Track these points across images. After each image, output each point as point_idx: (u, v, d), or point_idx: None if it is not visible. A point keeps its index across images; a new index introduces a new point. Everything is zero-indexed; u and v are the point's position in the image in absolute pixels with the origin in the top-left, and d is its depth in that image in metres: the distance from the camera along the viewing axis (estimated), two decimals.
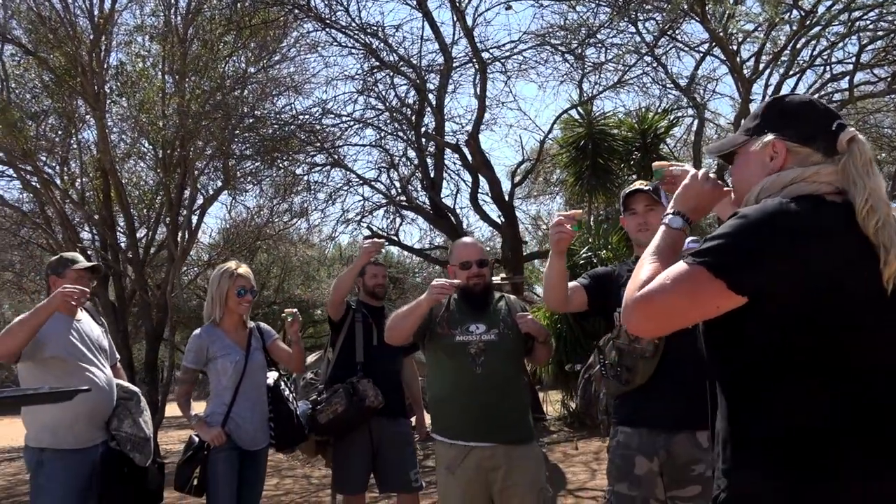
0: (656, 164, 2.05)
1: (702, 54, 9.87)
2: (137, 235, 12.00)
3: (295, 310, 3.82)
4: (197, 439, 3.47)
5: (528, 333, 2.99)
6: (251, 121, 10.42)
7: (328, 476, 4.42)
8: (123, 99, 11.03)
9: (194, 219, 11.85)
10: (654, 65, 9.95)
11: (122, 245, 11.90)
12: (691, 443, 2.49)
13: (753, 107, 9.60)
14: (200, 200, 11.91)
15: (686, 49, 10.06)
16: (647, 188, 2.70)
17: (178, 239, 11.10)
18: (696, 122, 10.01)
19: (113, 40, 11.16)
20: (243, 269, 3.65)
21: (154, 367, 11.56)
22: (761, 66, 8.93)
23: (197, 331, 3.62)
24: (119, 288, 11.74)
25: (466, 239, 3.35)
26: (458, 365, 2.98)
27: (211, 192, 11.97)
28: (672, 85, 10.23)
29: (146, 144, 11.75)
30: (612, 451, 2.66)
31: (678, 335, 2.50)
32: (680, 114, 10.85)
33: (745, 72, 8.72)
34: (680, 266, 1.37)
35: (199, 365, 3.55)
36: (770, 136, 1.47)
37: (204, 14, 10.23)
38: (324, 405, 3.79)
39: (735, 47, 8.65)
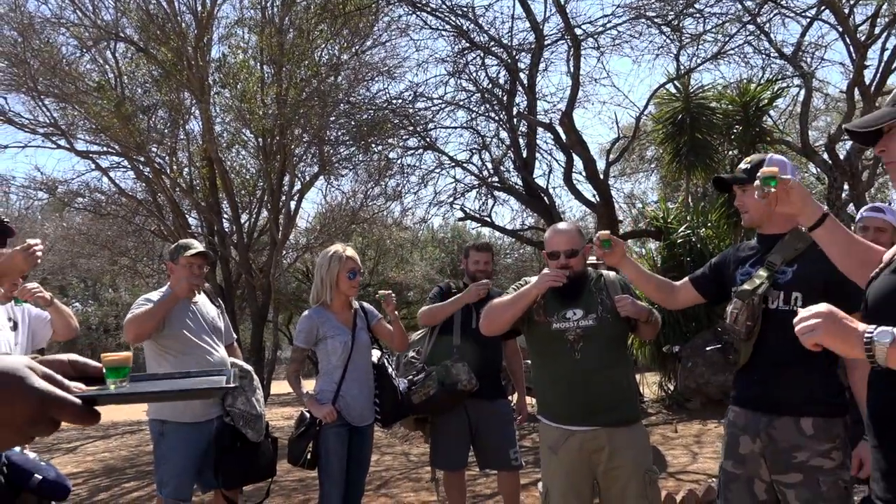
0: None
1: (809, 19, 9.32)
2: (241, 221, 12.55)
3: (389, 291, 3.90)
4: (308, 415, 3.63)
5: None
6: (346, 106, 10.64)
7: (426, 453, 4.52)
8: (226, 90, 11.52)
9: (293, 204, 12.30)
10: (757, 33, 9.48)
11: (227, 230, 12.48)
12: (794, 429, 2.43)
13: (868, 74, 9.03)
14: (298, 186, 12.32)
15: (792, 15, 9.53)
16: (740, 173, 2.66)
17: (279, 223, 11.54)
18: (802, 91, 9.49)
19: (214, 34, 11.66)
20: (350, 251, 3.76)
21: (260, 347, 12.10)
22: (877, 30, 8.35)
23: (307, 312, 3.76)
24: (225, 271, 12.33)
25: (560, 225, 3.18)
26: (557, 352, 2.95)
27: (308, 177, 12.36)
28: (776, 54, 9.72)
29: (247, 133, 12.23)
30: (726, 429, 2.64)
31: (776, 318, 2.45)
32: (785, 84, 10.30)
33: (859, 36, 8.19)
34: None
35: (310, 345, 3.70)
36: None
37: (299, 4, 10.51)
38: (418, 386, 3.87)
39: (847, 10, 8.12)
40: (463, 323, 4.02)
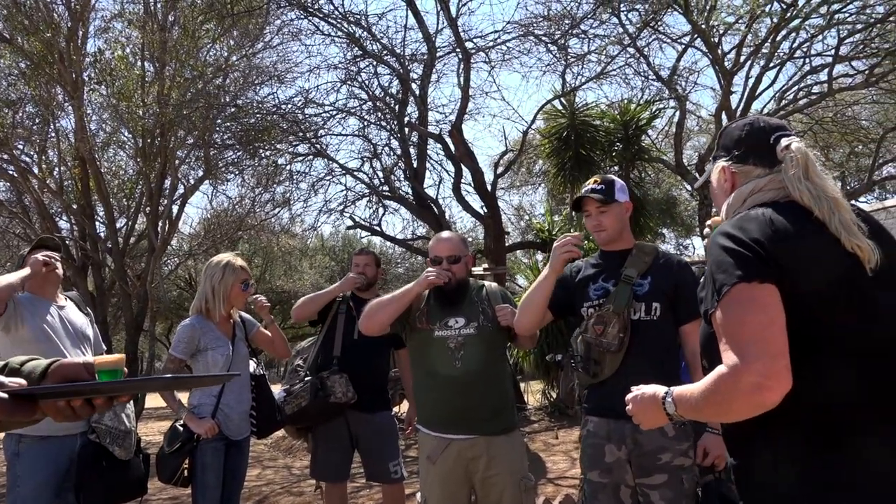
0: None
1: (684, 46, 9.92)
2: (117, 225, 11.90)
3: (258, 295, 3.82)
4: (183, 430, 3.46)
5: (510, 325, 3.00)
6: (233, 110, 10.33)
7: (309, 466, 4.43)
8: (102, 87, 10.89)
9: (175, 209, 11.78)
10: (637, 56, 9.98)
11: (102, 235, 11.79)
12: (658, 432, 2.56)
13: (735, 99, 9.69)
14: (181, 190, 11.83)
15: (668, 41, 10.11)
16: (595, 189, 2.78)
17: (159, 229, 11.01)
18: (677, 113, 10.06)
19: (91, 27, 11.02)
20: (241, 261, 3.65)
21: (134, 357, 11.48)
22: (742, 59, 8.99)
23: (188, 321, 3.59)
24: (98, 278, 11.63)
25: (444, 234, 3.29)
26: (438, 360, 2.98)
27: (192, 181, 11.89)
28: (654, 76, 10.27)
29: (126, 133, 11.62)
30: (584, 441, 2.74)
31: (642, 329, 2.60)
32: (662, 105, 10.89)
33: (726, 64, 8.78)
34: (724, 309, 1.40)
35: (188, 355, 3.52)
36: (720, 163, 1.68)
37: (184, 0, 10.11)
38: (291, 397, 3.79)
39: (716, 39, 8.70)
40: (345, 333, 3.96)
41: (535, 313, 2.78)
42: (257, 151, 10.68)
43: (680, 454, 2.56)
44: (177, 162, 10.98)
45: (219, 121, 10.29)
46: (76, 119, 10.40)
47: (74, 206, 11.59)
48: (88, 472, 3.40)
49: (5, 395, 0.97)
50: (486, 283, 3.27)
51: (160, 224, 11.09)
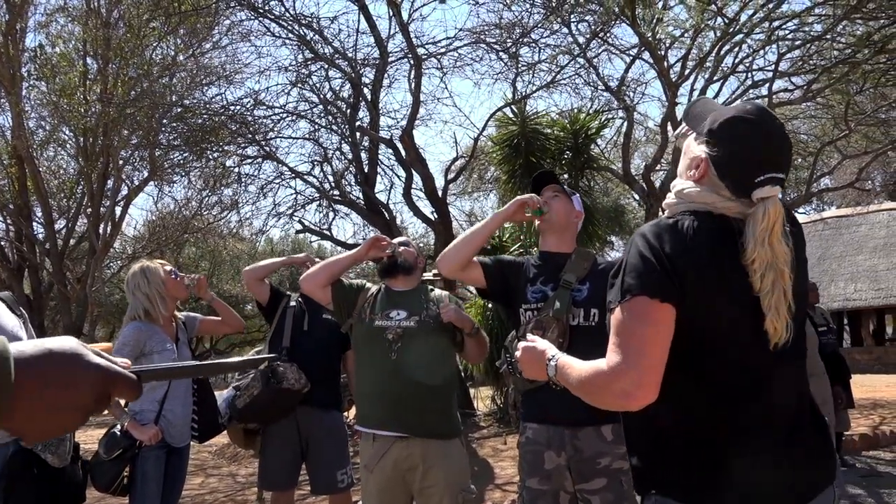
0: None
1: (632, 58, 10.12)
2: (56, 226, 11.51)
3: (196, 275, 3.80)
4: (122, 436, 3.36)
5: (454, 324, 2.99)
6: (179, 110, 10.11)
7: (255, 474, 4.34)
8: (42, 83, 10.55)
9: (118, 210, 11.47)
10: (586, 66, 10.14)
11: (40, 236, 11.40)
12: (597, 437, 2.59)
13: (680, 111, 9.91)
14: (125, 191, 11.52)
15: (617, 52, 10.30)
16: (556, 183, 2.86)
17: (101, 231, 10.70)
18: (625, 123, 10.25)
19: (31, 21, 10.67)
20: (155, 261, 3.62)
21: None
22: (687, 71, 9.22)
23: (133, 323, 3.50)
24: (35, 280, 11.24)
25: (398, 240, 3.35)
26: (375, 351, 2.97)
27: (136, 182, 11.59)
28: (603, 87, 10.45)
29: (67, 132, 11.27)
30: (522, 447, 2.74)
31: (581, 334, 2.63)
32: (610, 115, 11.09)
33: (671, 76, 8.99)
34: (622, 313, 1.48)
35: (133, 359, 3.43)
36: (704, 150, 1.57)
37: None
38: (242, 390, 3.72)
39: (663, 52, 8.90)
40: (294, 326, 3.91)
41: (463, 251, 2.75)
42: (204, 153, 10.48)
43: (619, 458, 2.58)
44: (120, 162, 10.70)
45: (165, 121, 10.06)
46: (13, 115, 10.04)
47: (10, 206, 11.18)
48: (19, 481, 3.27)
49: (134, 376, 0.87)
50: (438, 289, 3.29)
51: (102, 226, 10.78)
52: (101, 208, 10.90)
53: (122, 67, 9.78)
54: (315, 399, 3.76)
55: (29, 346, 0.80)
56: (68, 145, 11.78)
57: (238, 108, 10.33)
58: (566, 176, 10.32)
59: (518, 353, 1.78)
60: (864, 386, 12.00)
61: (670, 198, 1.63)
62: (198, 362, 1.20)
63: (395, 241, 3.23)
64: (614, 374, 1.44)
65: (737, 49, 8.91)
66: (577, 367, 1.57)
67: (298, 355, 3.78)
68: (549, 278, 2.74)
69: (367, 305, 3.08)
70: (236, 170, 11.11)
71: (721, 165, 1.53)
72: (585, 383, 1.52)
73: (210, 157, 10.79)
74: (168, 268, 3.56)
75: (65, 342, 0.83)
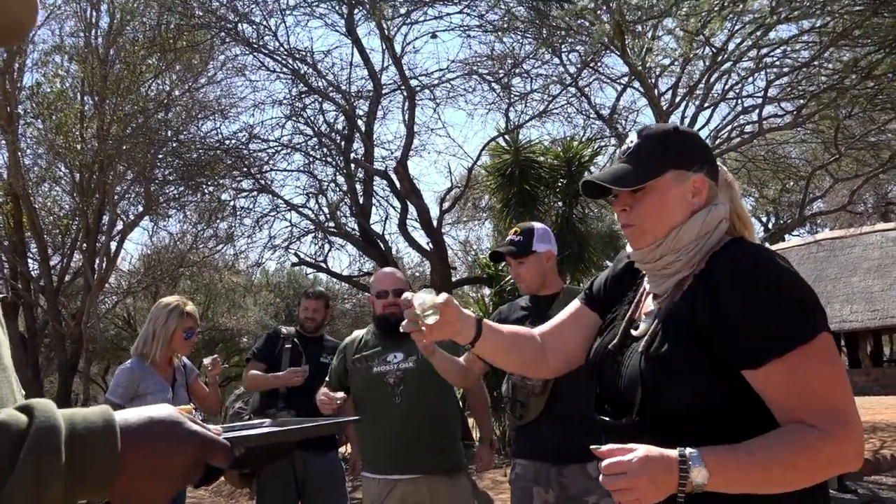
0: None
1: (622, 86, 10.23)
2: (51, 263, 11.49)
3: (216, 356, 3.76)
4: None
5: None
6: (175, 145, 10.16)
7: None
8: (39, 121, 10.60)
9: (113, 245, 11.46)
10: (578, 95, 10.25)
11: (34, 273, 11.36)
12: (582, 474, 2.59)
13: None
14: (120, 226, 11.53)
15: (608, 81, 10.42)
16: (511, 245, 2.82)
17: (96, 266, 10.68)
18: (617, 151, 10.33)
19: (28, 59, 10.76)
20: (191, 307, 3.55)
21: (67, 400, 11.03)
22: (678, 99, 9.32)
23: (127, 364, 3.47)
24: (30, 318, 11.18)
25: (386, 269, 3.38)
26: (378, 396, 2.96)
27: (132, 217, 11.60)
28: (595, 115, 10.55)
29: (62, 168, 11.31)
30: (514, 483, 2.75)
31: (566, 374, 2.61)
32: (603, 143, 11.18)
33: (662, 104, 9.09)
34: (810, 358, 1.20)
35: (125, 400, 3.39)
36: (693, 174, 1.41)
37: (126, 35, 9.98)
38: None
39: (653, 80, 9.01)
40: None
41: (453, 378, 2.76)
42: (200, 187, 10.51)
43: (605, 495, 2.56)
44: (115, 197, 10.72)
45: (160, 155, 10.11)
46: (10, 154, 10.08)
47: (5, 243, 11.17)
48: None
49: (227, 443, 0.87)
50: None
51: (97, 261, 10.76)
52: (97, 243, 10.90)
53: (118, 104, 9.85)
54: (312, 444, 3.72)
55: (132, 414, 0.82)
56: (64, 181, 11.80)
57: (233, 141, 10.40)
58: (560, 204, 10.38)
59: (606, 480, 1.22)
60: (863, 408, 11.93)
61: (691, 242, 1.39)
62: (286, 427, 1.20)
63: (406, 296, 3.12)
64: (847, 436, 1.18)
65: (726, 76, 9.02)
66: (752, 449, 1.18)
67: (297, 402, 3.74)
68: (539, 319, 2.76)
69: (359, 355, 3.07)
70: (231, 203, 11.14)
71: (713, 170, 1.45)
72: (804, 465, 1.18)
73: (205, 190, 10.82)
74: (189, 325, 3.49)
75: (163, 409, 0.85)
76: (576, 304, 1.71)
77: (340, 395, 2.93)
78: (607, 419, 1.43)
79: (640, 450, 1.20)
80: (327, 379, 3.25)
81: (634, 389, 1.35)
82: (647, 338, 1.38)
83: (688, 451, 1.19)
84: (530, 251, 2.78)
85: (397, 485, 2.89)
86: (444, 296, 1.52)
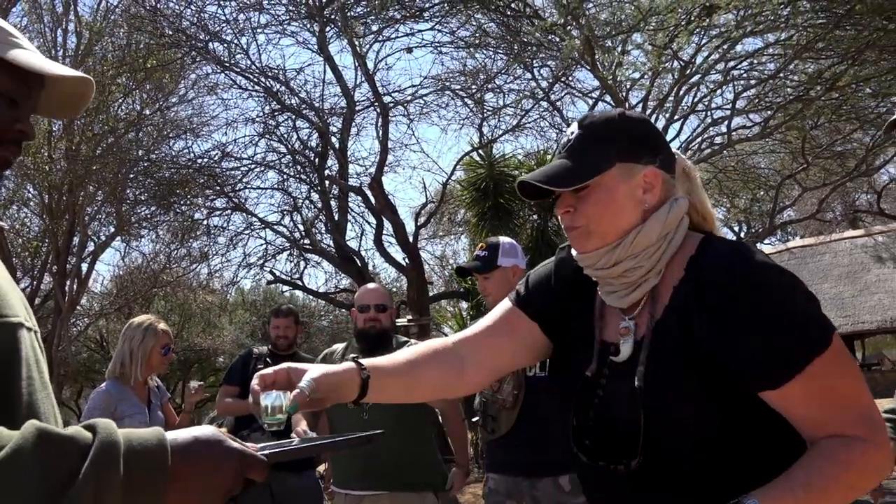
0: None
1: (594, 100, 10.35)
2: (20, 286, 11.27)
3: (201, 382, 3.75)
4: None
5: None
6: (146, 164, 10.07)
7: None
8: None
9: (84, 266, 11.29)
10: (550, 109, 10.34)
11: None
12: (554, 487, 2.59)
13: None
14: (91, 247, 11.36)
15: (579, 95, 10.53)
16: (475, 261, 2.85)
17: (66, 288, 10.51)
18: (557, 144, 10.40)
19: None
20: (164, 324, 3.54)
21: None
22: (648, 112, 9.44)
23: (102, 387, 3.43)
24: None
25: (370, 285, 3.40)
26: (346, 411, 2.94)
27: (103, 238, 11.45)
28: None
29: (31, 189, 11.13)
30: (487, 498, 2.75)
31: (537, 385, 2.62)
32: None
33: None
34: (830, 366, 1.10)
35: None
36: (643, 167, 1.25)
37: (95, 55, 9.89)
38: None
39: (623, 94, 9.12)
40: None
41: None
42: (172, 206, 10.41)
43: None
44: (86, 218, 10.58)
45: (131, 175, 10.00)
46: None
47: None
48: None
49: (264, 458, 0.94)
50: (414, 340, 3.32)
51: (68, 283, 10.59)
52: (67, 265, 10.73)
53: (87, 123, 9.74)
54: (288, 463, 3.70)
55: (179, 434, 0.90)
56: (32, 203, 11.62)
57: (206, 160, 10.33)
58: (535, 217, 10.43)
59: None
60: None
61: (652, 245, 1.23)
62: (316, 443, 1.27)
63: (254, 386, 3.09)
64: (885, 440, 1.10)
65: (695, 89, 9.16)
66: (808, 482, 1.07)
67: None
68: None
69: None
70: (205, 222, 11.04)
71: (666, 160, 1.28)
72: (857, 482, 1.10)
73: (178, 210, 10.72)
74: (165, 342, 3.49)
75: (206, 430, 0.93)
76: (505, 305, 1.46)
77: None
78: (600, 463, 1.24)
79: None
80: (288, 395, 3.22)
81: (630, 430, 1.18)
82: (640, 368, 1.20)
83: (743, 499, 1.06)
84: (495, 266, 2.79)
85: (363, 500, 2.89)
86: (293, 399, 1.21)
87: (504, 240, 2.90)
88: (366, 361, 1.32)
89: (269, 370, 1.30)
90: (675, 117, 9.68)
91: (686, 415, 1.16)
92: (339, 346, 3.26)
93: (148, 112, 10.45)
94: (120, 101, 10.23)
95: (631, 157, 1.24)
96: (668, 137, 9.88)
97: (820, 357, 1.09)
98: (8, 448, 0.79)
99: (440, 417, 3.40)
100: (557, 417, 2.69)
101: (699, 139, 10.35)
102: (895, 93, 8.28)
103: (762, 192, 13.21)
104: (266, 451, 0.98)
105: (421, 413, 3.06)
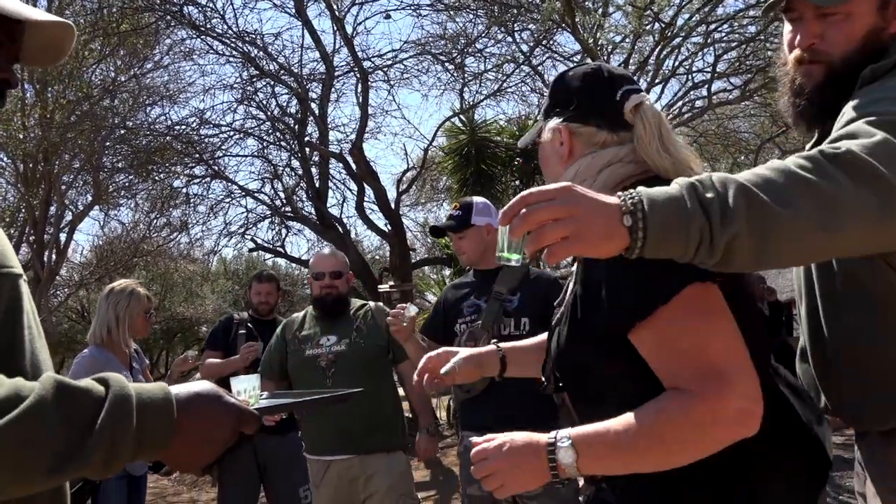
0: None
1: (575, 64, 10.27)
2: None
3: (195, 352, 3.82)
4: None
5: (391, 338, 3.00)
6: (123, 132, 9.91)
7: (215, 499, 4.27)
8: None
9: (63, 236, 11.17)
10: (532, 74, 10.27)
11: None
12: None
13: None
14: (69, 217, 11.23)
15: (561, 59, 10.45)
16: (450, 221, 2.87)
17: (45, 259, 10.40)
18: None
19: None
20: (143, 289, 3.59)
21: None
22: None
23: (86, 352, 3.45)
24: None
25: (324, 251, 3.44)
26: (312, 380, 3.01)
27: (81, 207, 11.31)
28: None
29: (5, 158, 10.94)
30: (462, 456, 2.79)
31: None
32: None
33: None
34: (675, 317, 1.07)
35: None
36: (553, 121, 1.33)
37: (66, 18, 9.65)
38: None
39: (605, 57, 9.07)
40: None
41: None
42: (150, 174, 10.29)
43: None
44: (63, 187, 10.43)
45: (108, 143, 9.85)
46: None
47: None
48: None
49: (257, 413, 1.00)
50: (372, 303, 3.35)
51: (46, 254, 10.47)
52: (45, 235, 10.60)
53: (60, 91, 9.55)
54: (273, 426, 3.74)
55: (182, 389, 0.96)
56: (7, 172, 11.43)
57: (183, 127, 10.19)
58: (517, 182, 10.42)
59: (477, 471, 1.18)
60: None
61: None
62: (303, 399, 1.37)
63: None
64: (717, 395, 1.03)
65: (676, 52, 9.14)
66: (616, 427, 1.08)
67: None
68: (483, 291, 2.80)
69: (293, 337, 3.11)
70: (184, 190, 10.94)
71: (579, 113, 1.29)
72: (670, 435, 1.05)
73: (156, 178, 10.59)
74: (148, 306, 3.56)
75: (205, 385, 0.98)
76: None
77: (413, 309, 2.74)
78: (543, 385, 1.43)
79: (504, 436, 1.16)
80: (261, 367, 3.28)
81: (553, 363, 1.34)
82: (561, 312, 1.35)
83: (560, 433, 1.11)
84: (469, 225, 2.82)
85: (332, 464, 2.96)
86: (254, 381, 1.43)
87: (477, 199, 2.93)
88: (502, 344, 1.69)
89: (425, 358, 1.64)
90: (657, 80, 9.67)
91: (580, 355, 1.23)
92: (298, 315, 3.31)
93: (123, 79, 10.25)
94: (94, 66, 10.02)
95: (546, 114, 1.36)
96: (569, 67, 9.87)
97: (663, 308, 1.07)
98: (30, 399, 0.82)
99: (400, 378, 3.43)
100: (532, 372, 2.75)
101: (680, 103, 10.36)
102: None
103: (743, 157, 13.26)
104: (258, 406, 1.04)
105: (384, 383, 3.11)
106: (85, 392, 0.87)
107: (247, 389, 1.45)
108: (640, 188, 0.95)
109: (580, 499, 1.38)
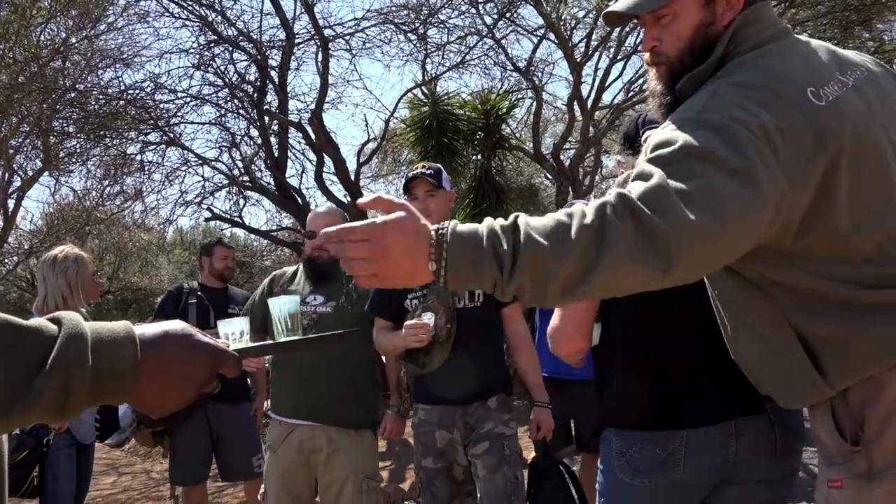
0: None
1: (538, 38, 10.26)
2: None
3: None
4: (25, 434, 3.22)
5: None
6: (73, 95, 9.59)
7: (168, 470, 4.24)
8: None
9: (11, 203, 10.82)
10: (495, 47, 10.22)
11: None
12: (482, 407, 2.70)
13: (585, 89, 10.15)
14: (18, 183, 10.88)
15: (524, 33, 10.41)
16: (427, 171, 2.79)
17: None
18: (534, 103, 10.41)
19: None
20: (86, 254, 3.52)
21: None
22: (591, 51, 9.43)
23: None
24: None
25: (320, 208, 3.31)
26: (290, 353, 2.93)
27: (30, 173, 10.95)
28: (512, 67, 10.55)
29: None
30: (416, 428, 2.79)
31: (468, 316, 2.66)
32: (520, 95, 11.22)
33: (576, 56, 9.17)
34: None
35: None
36: (616, 156, 1.89)
37: None
38: None
39: (567, 32, 9.06)
40: (199, 324, 3.83)
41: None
42: (103, 140, 9.99)
43: (501, 423, 2.69)
44: (11, 151, 10.07)
45: (58, 106, 9.52)
46: None
47: None
48: None
49: (236, 354, 0.95)
50: None
51: None
52: None
53: (6, 51, 9.17)
54: (224, 394, 3.68)
55: (148, 328, 0.91)
56: None
57: (137, 92, 9.89)
58: (479, 157, 10.41)
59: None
60: None
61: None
62: (285, 340, 1.33)
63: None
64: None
65: (638, 29, 9.17)
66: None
67: None
68: None
69: (280, 291, 3.02)
70: (139, 157, 10.66)
71: (624, 147, 1.89)
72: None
73: (109, 144, 10.29)
74: (94, 269, 3.50)
75: (176, 324, 0.93)
76: None
77: (429, 316, 2.65)
78: None
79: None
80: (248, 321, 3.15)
81: None
82: None
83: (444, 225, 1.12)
84: (441, 185, 2.80)
85: (295, 429, 2.89)
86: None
87: (440, 167, 2.92)
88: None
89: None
90: (619, 57, 9.71)
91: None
92: (289, 269, 3.18)
93: (74, 40, 9.88)
94: (42, 26, 9.64)
95: None
96: (612, 78, 9.92)
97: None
98: None
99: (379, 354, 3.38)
100: (489, 343, 2.80)
101: (641, 80, 10.41)
102: (831, 36, 8.45)
103: None
104: (238, 347, 0.99)
105: (362, 355, 3.01)
106: (35, 331, 0.83)
107: (234, 333, 1.42)
108: (451, 229, 1.10)
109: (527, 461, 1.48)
